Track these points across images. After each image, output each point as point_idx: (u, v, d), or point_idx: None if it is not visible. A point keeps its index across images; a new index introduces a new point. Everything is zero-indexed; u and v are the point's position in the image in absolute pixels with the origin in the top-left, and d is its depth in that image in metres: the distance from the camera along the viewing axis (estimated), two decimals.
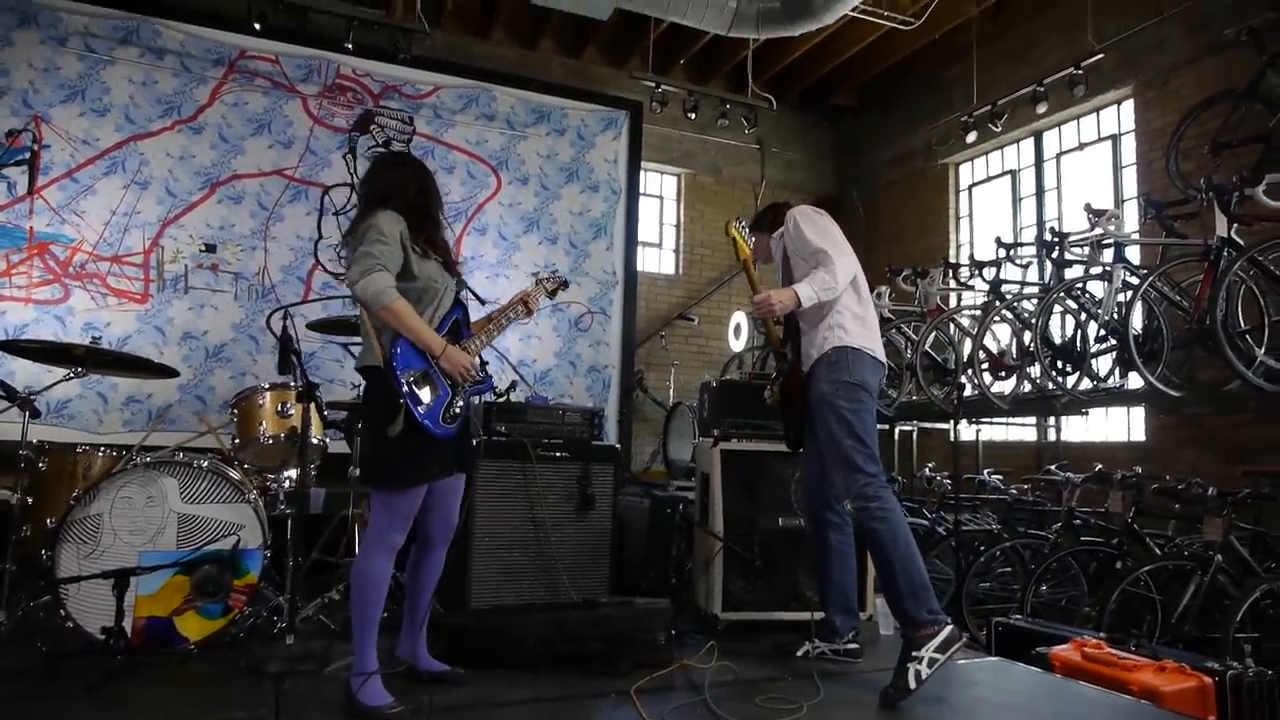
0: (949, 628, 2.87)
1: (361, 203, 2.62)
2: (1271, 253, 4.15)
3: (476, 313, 2.93)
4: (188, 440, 3.91)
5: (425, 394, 2.51)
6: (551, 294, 3.02)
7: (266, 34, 5.84)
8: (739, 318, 7.56)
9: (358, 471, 3.89)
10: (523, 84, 6.98)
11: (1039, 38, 7.06)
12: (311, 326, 4.12)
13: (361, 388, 4.29)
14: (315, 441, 3.74)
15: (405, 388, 2.46)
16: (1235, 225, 4.29)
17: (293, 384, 3.60)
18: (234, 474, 3.29)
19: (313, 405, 3.22)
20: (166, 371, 3.70)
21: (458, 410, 2.60)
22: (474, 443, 2.84)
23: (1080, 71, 6.17)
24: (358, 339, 4.16)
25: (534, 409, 3.74)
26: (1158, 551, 4.20)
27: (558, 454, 3.64)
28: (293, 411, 3.66)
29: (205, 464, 3.22)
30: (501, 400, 3.74)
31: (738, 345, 7.46)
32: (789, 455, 4.06)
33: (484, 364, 2.77)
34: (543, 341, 6.73)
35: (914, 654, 2.82)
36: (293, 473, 3.71)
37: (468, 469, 2.80)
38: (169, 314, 5.75)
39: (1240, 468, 4.57)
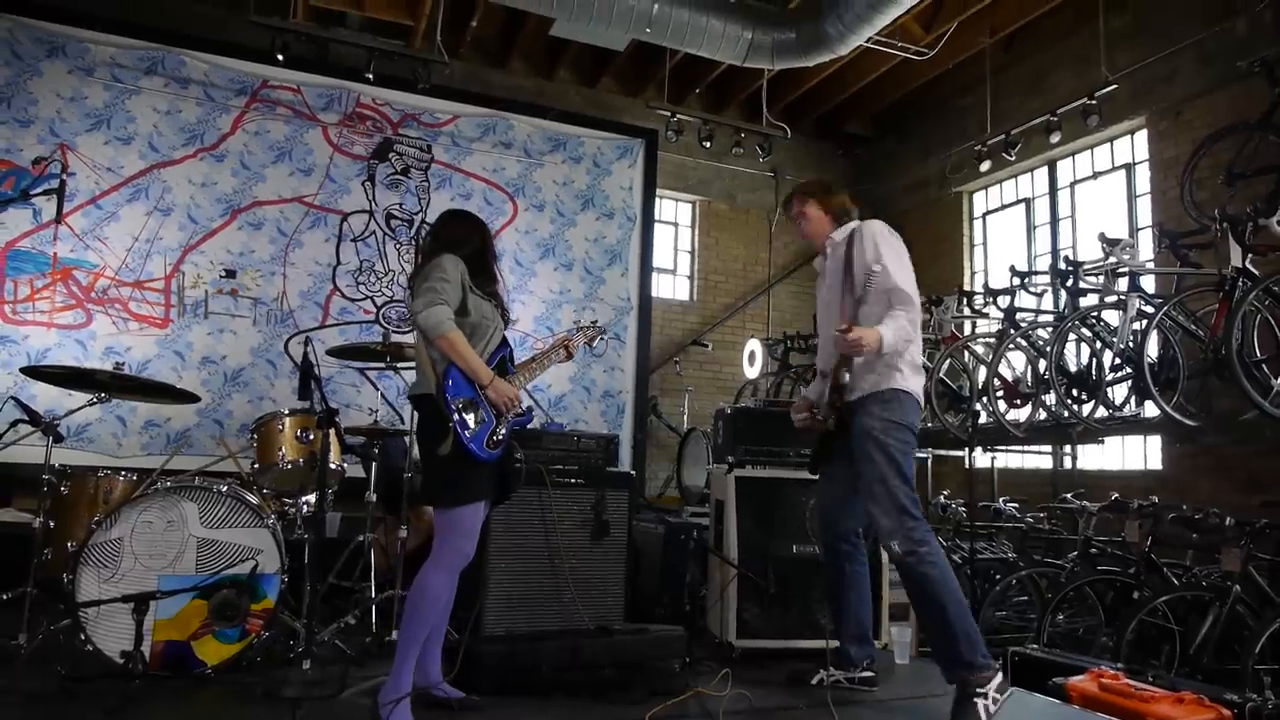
0: (1000, 673, 2.87)
1: (429, 248, 2.95)
2: None
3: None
4: (208, 465, 3.96)
5: (471, 419, 2.74)
6: (590, 342, 3.34)
7: (289, 64, 5.98)
8: (753, 345, 7.58)
9: (374, 497, 3.93)
10: (540, 113, 7.10)
11: (1051, 68, 7.12)
12: (331, 353, 4.17)
13: (379, 414, 4.37)
14: (333, 467, 3.78)
15: (455, 413, 2.70)
16: (1250, 255, 4.30)
17: (313, 409, 3.65)
18: (252, 499, 3.33)
19: (332, 430, 3.26)
20: (188, 397, 3.76)
21: (499, 437, 2.82)
22: (519, 469, 3.02)
23: (1093, 102, 6.22)
24: (375, 364, 4.23)
25: (549, 435, 3.77)
26: (1175, 582, 4.16)
27: (573, 480, 3.67)
28: (312, 437, 3.71)
29: (224, 488, 3.27)
30: (524, 426, 3.78)
31: (752, 372, 7.48)
32: (804, 482, 4.08)
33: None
34: (558, 367, 6.77)
35: (978, 691, 2.80)
36: (310, 498, 3.75)
37: (508, 496, 3.02)
38: (188, 339, 5.84)
39: (1258, 497, 4.54)
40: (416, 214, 6.55)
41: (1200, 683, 3.34)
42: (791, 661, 3.59)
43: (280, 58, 5.78)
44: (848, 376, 3.14)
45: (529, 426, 3.41)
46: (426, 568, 2.72)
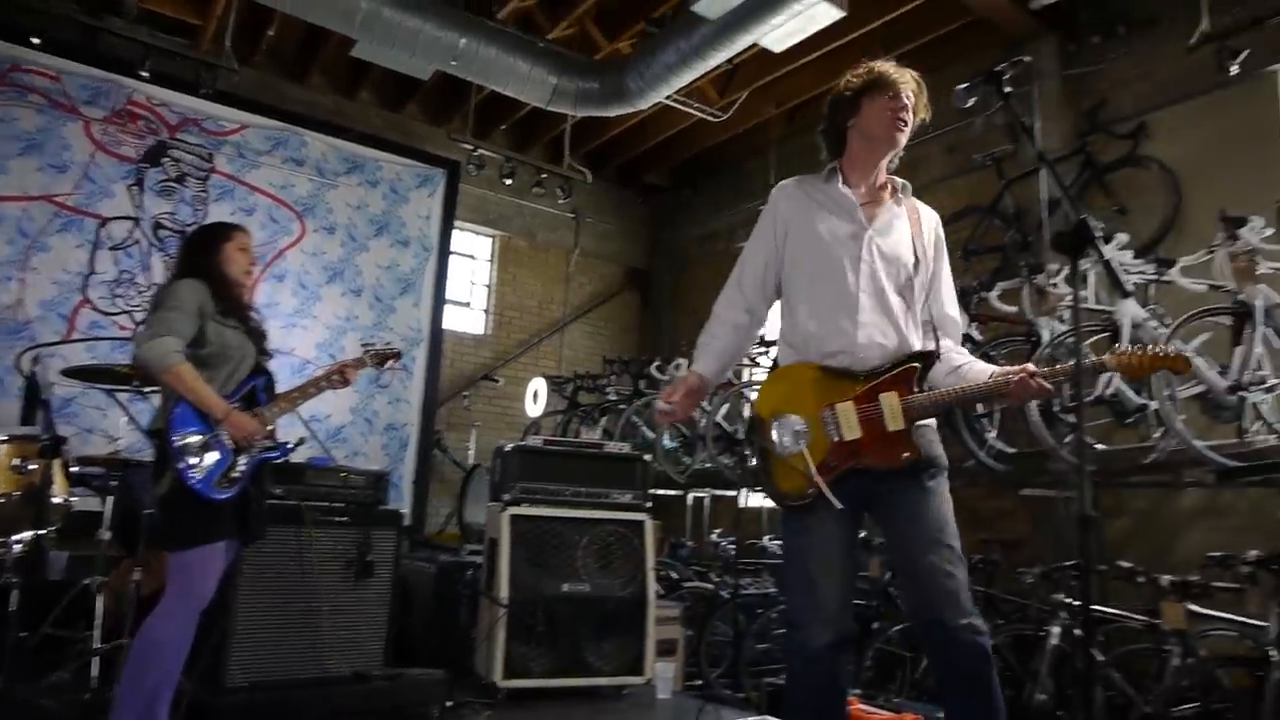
0: None
1: (174, 269, 2.75)
2: (1000, 349, 4.75)
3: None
4: None
5: (201, 457, 2.55)
6: (381, 364, 3.09)
7: (47, 48, 5.36)
8: (537, 384, 7.60)
9: (108, 534, 3.52)
10: (337, 132, 6.81)
11: None
12: (67, 373, 3.73)
13: (121, 443, 3.94)
14: (58, 501, 3.36)
15: (179, 450, 2.51)
16: (975, 324, 4.88)
17: (38, 435, 3.24)
18: None
19: (57, 461, 2.91)
20: None
21: (237, 474, 2.62)
22: (265, 508, 2.78)
23: None
24: (122, 387, 3.82)
25: (314, 470, 3.56)
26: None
27: (336, 519, 3.48)
28: (33, 467, 3.28)
29: None
30: (278, 460, 3.53)
31: (535, 411, 7.49)
32: (578, 521, 4.13)
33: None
34: (338, 396, 6.44)
35: None
36: (25, 535, 3.30)
37: (254, 536, 2.79)
38: None
39: (979, 535, 5.11)
40: (190, 225, 6.04)
41: (924, 704, 3.69)
42: (560, 700, 3.58)
43: (36, 41, 5.18)
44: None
45: (292, 460, 3.21)
46: (154, 614, 2.48)
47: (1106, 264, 1.71)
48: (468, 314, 8.35)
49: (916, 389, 2.09)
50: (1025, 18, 5.71)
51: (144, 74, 5.61)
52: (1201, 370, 3.61)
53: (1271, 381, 3.65)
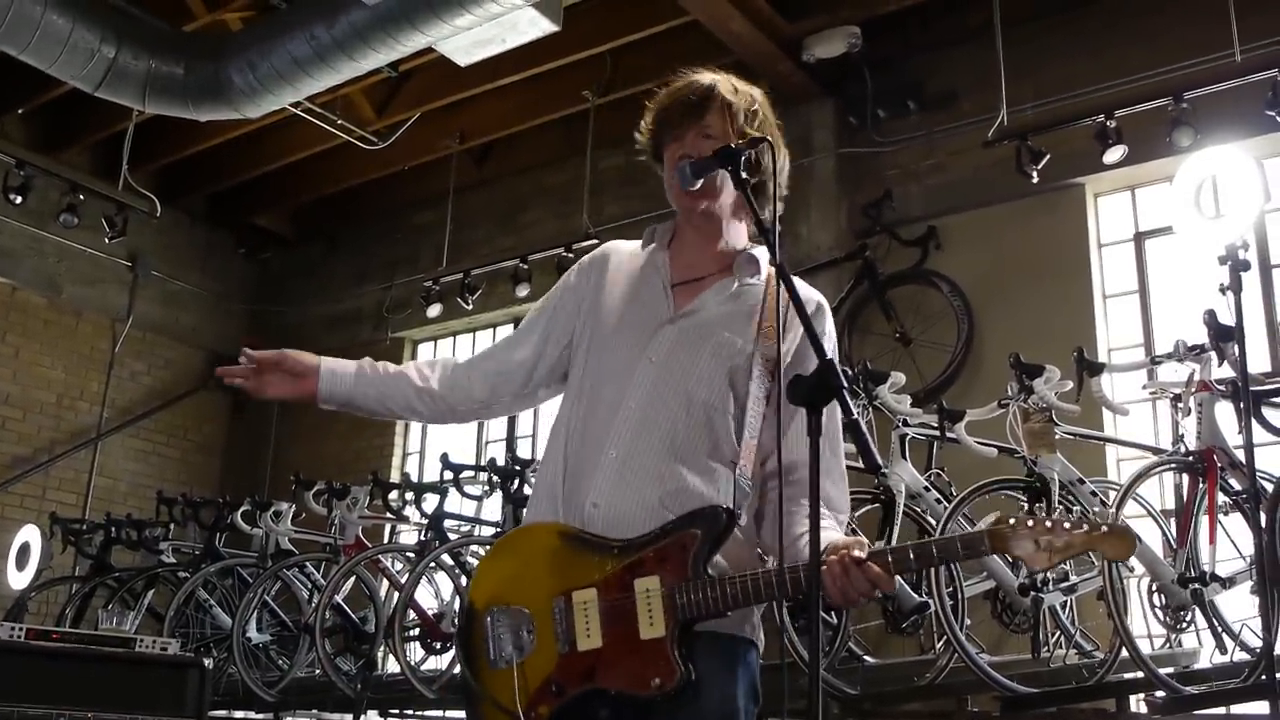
0: None
1: None
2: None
3: None
4: None
5: None
6: None
7: None
8: (28, 534, 7.02)
9: None
10: None
11: (529, 202, 8.13)
12: None
13: None
14: None
15: None
16: None
17: None
18: None
19: None
20: None
21: None
22: None
23: (570, 255, 7.12)
24: None
25: None
26: None
27: None
28: None
29: None
30: None
31: (21, 579, 6.89)
32: None
33: None
34: None
35: None
36: None
37: None
38: None
39: None
40: None
41: None
42: None
43: None
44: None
45: None
46: None
47: (854, 426, 1.79)
48: None
49: (698, 570, 1.95)
50: (797, 73, 6.36)
51: None
52: (992, 562, 4.00)
53: (1073, 580, 4.13)
